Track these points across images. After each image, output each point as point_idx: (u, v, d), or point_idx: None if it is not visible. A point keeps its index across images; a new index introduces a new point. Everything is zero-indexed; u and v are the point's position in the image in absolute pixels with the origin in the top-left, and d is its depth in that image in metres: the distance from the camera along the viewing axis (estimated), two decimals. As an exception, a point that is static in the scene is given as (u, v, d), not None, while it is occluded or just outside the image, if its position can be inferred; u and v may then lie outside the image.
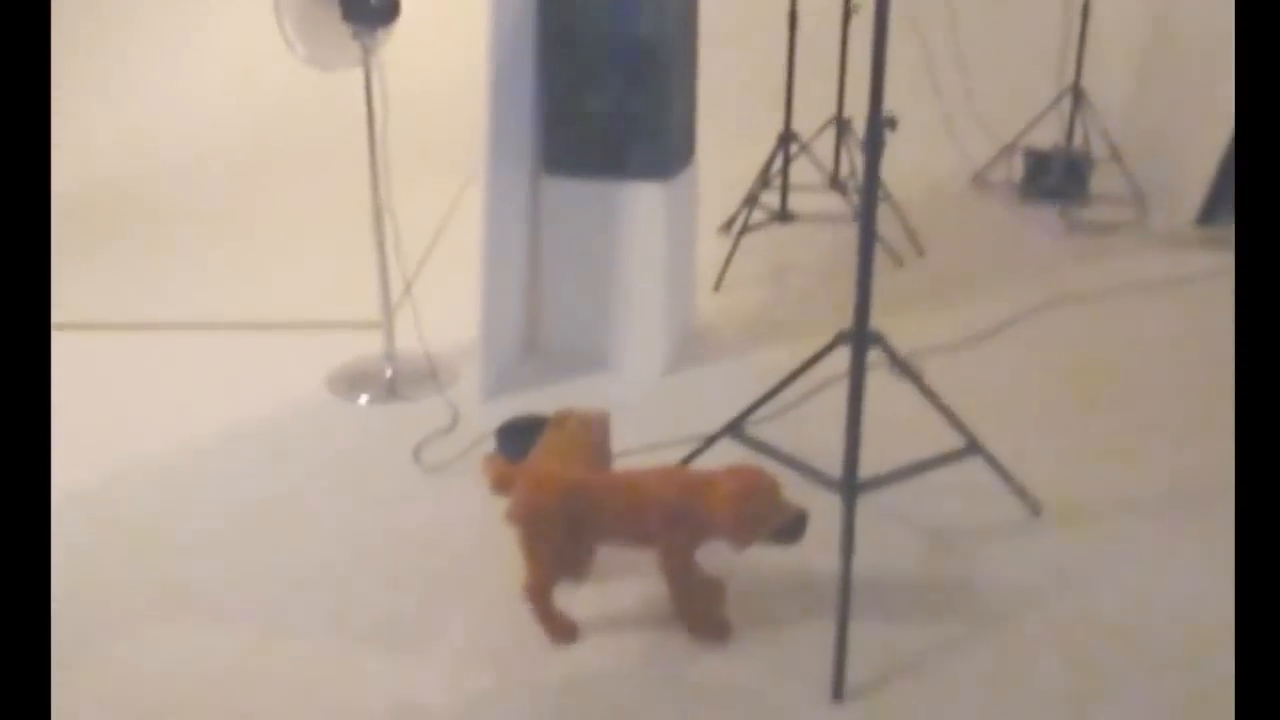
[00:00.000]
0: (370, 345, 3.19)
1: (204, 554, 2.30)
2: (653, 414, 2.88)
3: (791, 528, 1.91)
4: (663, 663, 1.95)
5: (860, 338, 2.07)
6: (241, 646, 2.01)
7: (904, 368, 2.21)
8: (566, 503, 1.92)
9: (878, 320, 3.35)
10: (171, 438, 2.78)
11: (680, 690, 1.89)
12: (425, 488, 2.53)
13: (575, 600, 2.11)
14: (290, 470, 2.62)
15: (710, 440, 2.46)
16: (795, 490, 2.23)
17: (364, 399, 2.99)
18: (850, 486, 2.07)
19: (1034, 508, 2.40)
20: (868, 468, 2.17)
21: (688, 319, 3.37)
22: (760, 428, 2.70)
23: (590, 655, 1.97)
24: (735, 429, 2.37)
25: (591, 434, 2.21)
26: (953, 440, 2.33)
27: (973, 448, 2.30)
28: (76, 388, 3.07)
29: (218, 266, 4.01)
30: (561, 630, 2.00)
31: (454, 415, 2.87)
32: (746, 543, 1.88)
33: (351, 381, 3.08)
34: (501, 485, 1.96)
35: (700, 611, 1.99)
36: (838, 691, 1.85)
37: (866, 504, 2.39)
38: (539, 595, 1.97)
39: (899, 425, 2.73)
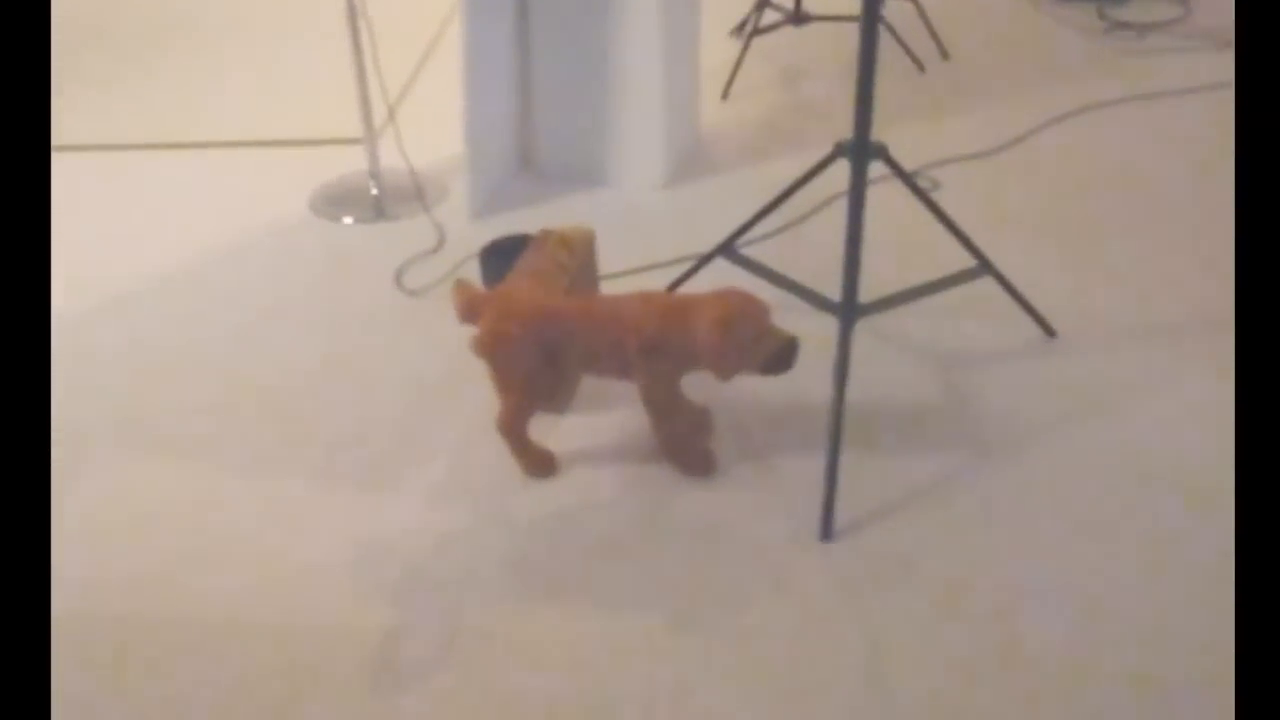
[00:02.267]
0: (357, 163, 3.02)
1: (169, 383, 2.21)
2: (650, 231, 2.73)
3: (780, 356, 1.78)
4: (643, 498, 1.87)
5: (861, 149, 1.89)
6: (202, 479, 1.95)
7: (909, 182, 2.03)
8: (536, 331, 1.80)
9: (892, 129, 3.17)
10: (141, 262, 2.67)
11: (660, 527, 1.81)
12: (406, 313, 2.42)
13: (555, 432, 2.01)
14: (266, 295, 2.51)
15: (702, 261, 2.32)
16: (792, 315, 2.10)
17: (348, 219, 2.85)
18: (848, 309, 1.93)
19: (1047, 331, 2.25)
20: (870, 290, 2.04)
21: (691, 129, 3.16)
22: (757, 247, 2.54)
23: (567, 490, 1.89)
24: (728, 248, 2.22)
25: (573, 254, 2.07)
26: (963, 261, 2.17)
27: (983, 267, 2.15)
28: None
29: (189, 81, 3.81)
30: (537, 464, 1.91)
31: (440, 236, 2.73)
32: (732, 372, 1.76)
33: (335, 201, 2.93)
34: (469, 313, 1.84)
35: (684, 444, 1.90)
36: (826, 530, 1.77)
37: (867, 329, 2.25)
38: (512, 428, 1.88)
39: (905, 245, 2.56)
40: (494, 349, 1.77)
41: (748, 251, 2.26)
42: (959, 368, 2.16)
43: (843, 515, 1.80)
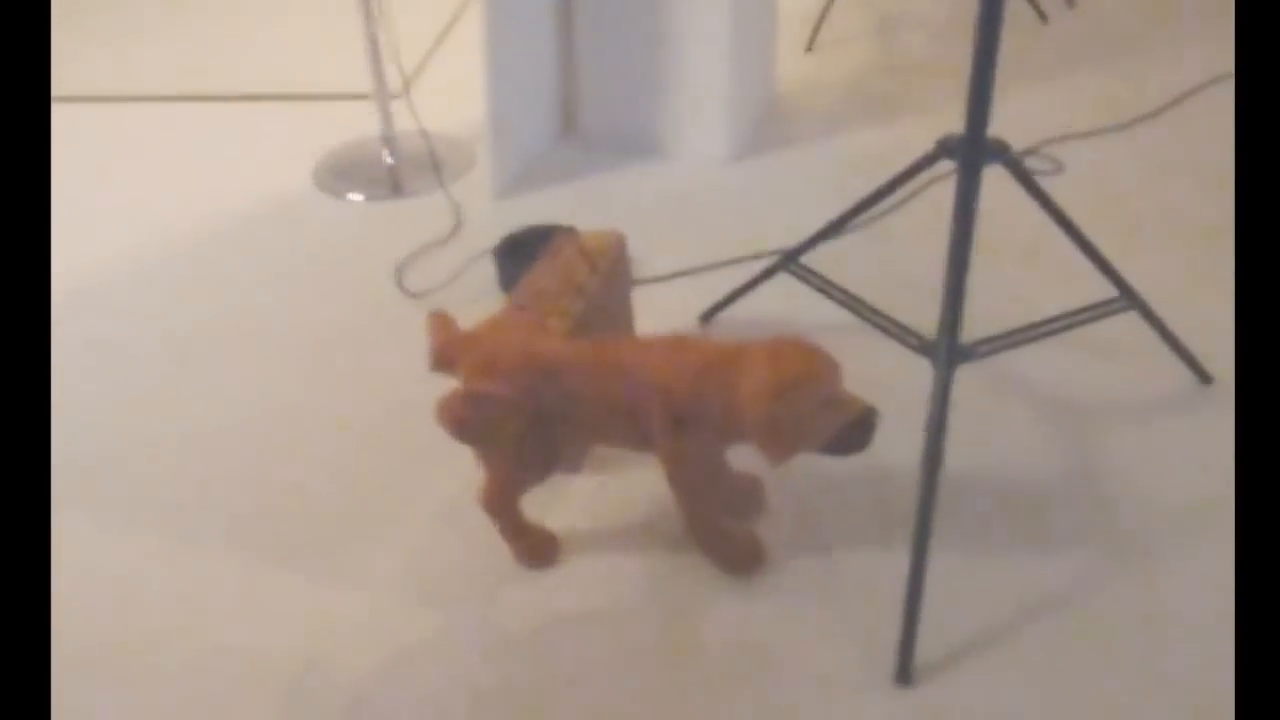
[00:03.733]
0: (374, 126, 2.59)
1: (131, 381, 1.83)
2: (708, 217, 2.26)
3: (851, 435, 1.32)
4: (664, 603, 1.43)
5: (974, 149, 1.41)
6: (139, 543, 1.56)
7: (1036, 191, 1.54)
8: (527, 391, 1.36)
9: (1006, 94, 2.64)
10: (122, 231, 2.30)
11: (682, 648, 1.37)
12: (400, 323, 2.00)
13: (560, 500, 1.59)
14: (230, 299, 2.11)
15: (757, 280, 1.85)
16: (867, 345, 1.64)
17: (356, 196, 2.43)
18: (949, 352, 1.46)
19: (1201, 376, 1.75)
20: (975, 323, 1.56)
21: (765, 89, 2.67)
22: (830, 251, 2.06)
23: (566, 586, 1.47)
24: (791, 260, 1.75)
25: (594, 270, 1.63)
26: (1096, 281, 1.68)
27: (1126, 299, 1.65)
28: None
29: (191, 33, 3.41)
30: (532, 549, 1.49)
31: (456, 219, 2.30)
32: (786, 455, 1.31)
33: (342, 172, 2.52)
34: (442, 361, 1.41)
35: (723, 533, 1.45)
36: (904, 670, 1.32)
37: (969, 372, 1.77)
38: (500, 506, 1.46)
39: (1020, 256, 2.06)
40: (465, 418, 1.33)
41: (816, 255, 1.79)
42: (1086, 427, 1.67)
43: (928, 647, 1.35)
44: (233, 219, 2.35)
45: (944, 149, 1.45)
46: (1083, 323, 1.62)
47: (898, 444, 1.61)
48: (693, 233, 2.21)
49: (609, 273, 1.68)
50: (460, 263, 2.14)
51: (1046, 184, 1.60)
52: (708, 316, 1.94)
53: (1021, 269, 2.02)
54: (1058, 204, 1.53)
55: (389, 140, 2.52)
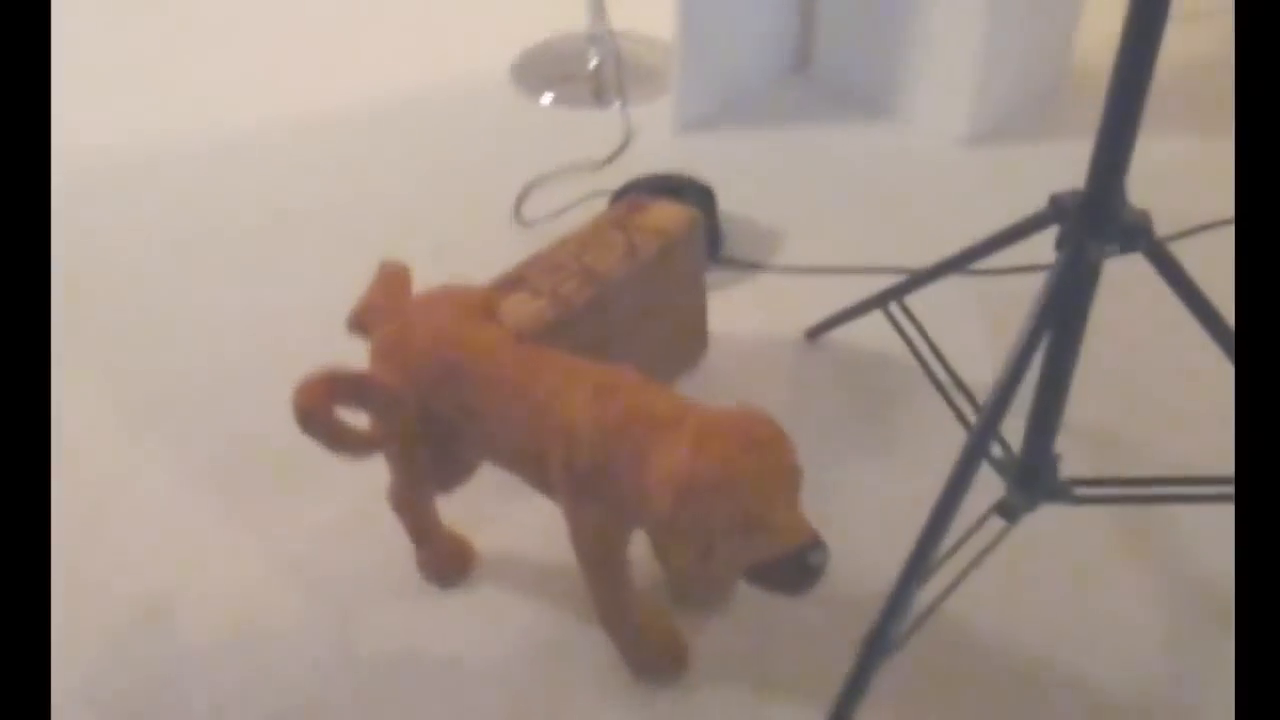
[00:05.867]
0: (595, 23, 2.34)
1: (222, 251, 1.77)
2: (919, 203, 1.85)
3: (780, 572, 0.96)
4: (530, 682, 1.16)
5: (1095, 222, 0.96)
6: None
7: (1190, 296, 1.04)
8: (426, 388, 1.10)
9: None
10: (299, 92, 2.23)
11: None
12: (498, 248, 1.77)
13: (515, 515, 1.33)
14: (373, 171, 1.98)
15: (861, 308, 1.45)
16: (928, 433, 1.24)
17: (547, 97, 2.21)
18: (1026, 486, 1.05)
19: None
20: (1076, 443, 1.13)
21: (1053, 62, 2.14)
22: (946, 296, 1.59)
23: (439, 620, 1.22)
24: (890, 299, 1.35)
25: (629, 255, 1.32)
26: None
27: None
28: (218, 36, 2.57)
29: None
30: (433, 562, 1.26)
31: (621, 144, 2.03)
32: (688, 570, 0.98)
33: (544, 69, 2.30)
34: (357, 325, 1.18)
35: (628, 625, 1.14)
36: None
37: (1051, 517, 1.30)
38: (400, 505, 1.23)
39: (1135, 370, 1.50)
40: (311, 409, 1.07)
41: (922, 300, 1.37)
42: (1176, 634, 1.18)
43: None
44: (411, 97, 2.21)
45: (1057, 211, 1.00)
46: (1203, 497, 1.12)
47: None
48: (885, 222, 1.81)
49: (654, 261, 1.36)
50: (582, 196, 1.88)
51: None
52: (814, 334, 1.57)
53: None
54: (1222, 319, 1.02)
55: (596, 40, 2.26)
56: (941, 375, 1.27)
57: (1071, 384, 1.05)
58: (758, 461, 0.94)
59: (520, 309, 1.26)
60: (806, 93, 2.16)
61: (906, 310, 1.34)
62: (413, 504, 1.22)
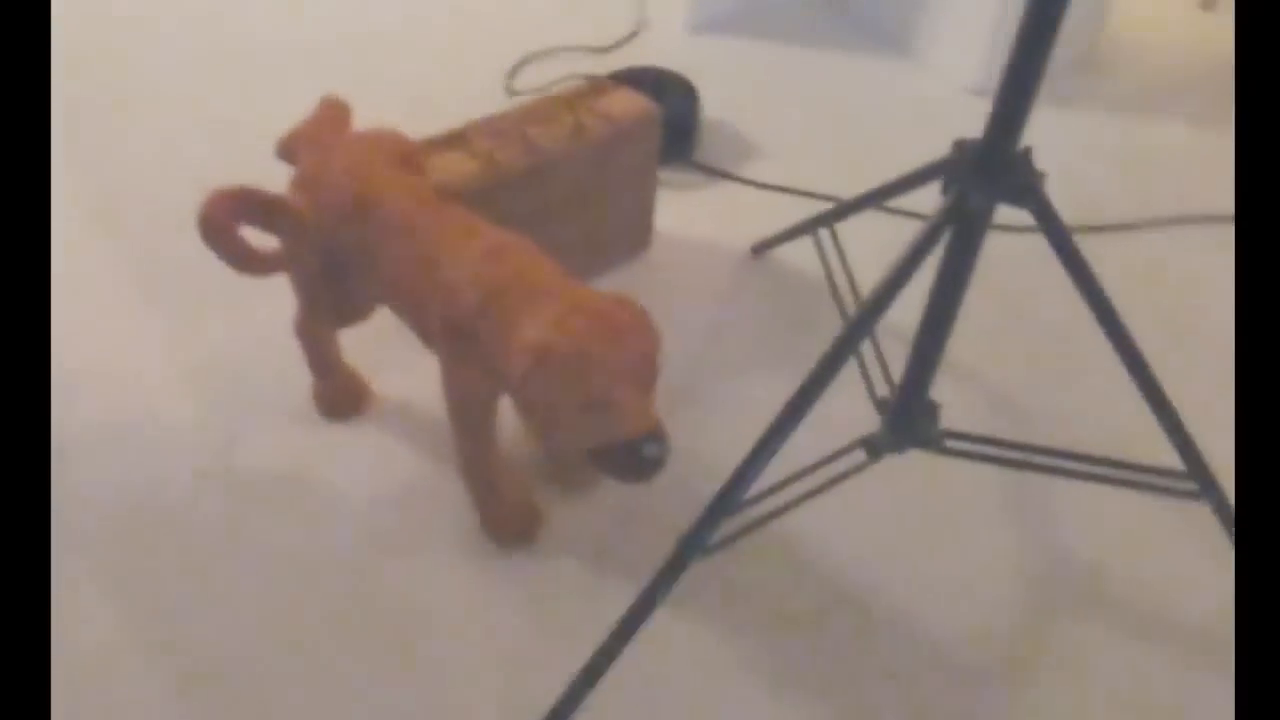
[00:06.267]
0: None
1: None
2: (908, 146, 1.83)
3: (620, 458, 0.99)
4: (377, 527, 1.21)
5: (981, 177, 0.96)
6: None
7: (1072, 263, 1.04)
8: (332, 222, 1.13)
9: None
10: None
11: (335, 582, 1.15)
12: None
13: (399, 349, 1.37)
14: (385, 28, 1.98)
15: (796, 231, 1.45)
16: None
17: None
18: (897, 429, 1.08)
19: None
20: (976, 408, 1.14)
21: (1079, 28, 2.09)
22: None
23: (313, 448, 1.27)
24: (819, 226, 1.35)
25: (576, 132, 1.33)
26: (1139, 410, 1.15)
27: (1199, 483, 1.12)
28: None
29: None
30: (325, 397, 1.30)
31: (628, 33, 2.02)
32: (545, 437, 1.01)
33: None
34: (284, 150, 1.20)
35: (487, 486, 1.18)
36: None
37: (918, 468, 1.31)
38: (300, 331, 1.27)
39: (1037, 333, 1.49)
40: (211, 218, 1.10)
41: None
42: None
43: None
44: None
45: (949, 165, 0.99)
46: (1117, 482, 1.13)
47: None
48: (869, 156, 1.79)
49: (601, 146, 1.37)
50: (561, 74, 1.87)
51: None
52: (758, 250, 1.57)
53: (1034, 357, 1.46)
54: (1104, 296, 1.02)
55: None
56: (850, 305, 1.28)
57: (950, 333, 1.06)
58: (613, 346, 0.97)
59: (452, 166, 1.28)
60: (830, 17, 2.13)
61: (835, 239, 1.34)
62: (314, 334, 1.26)
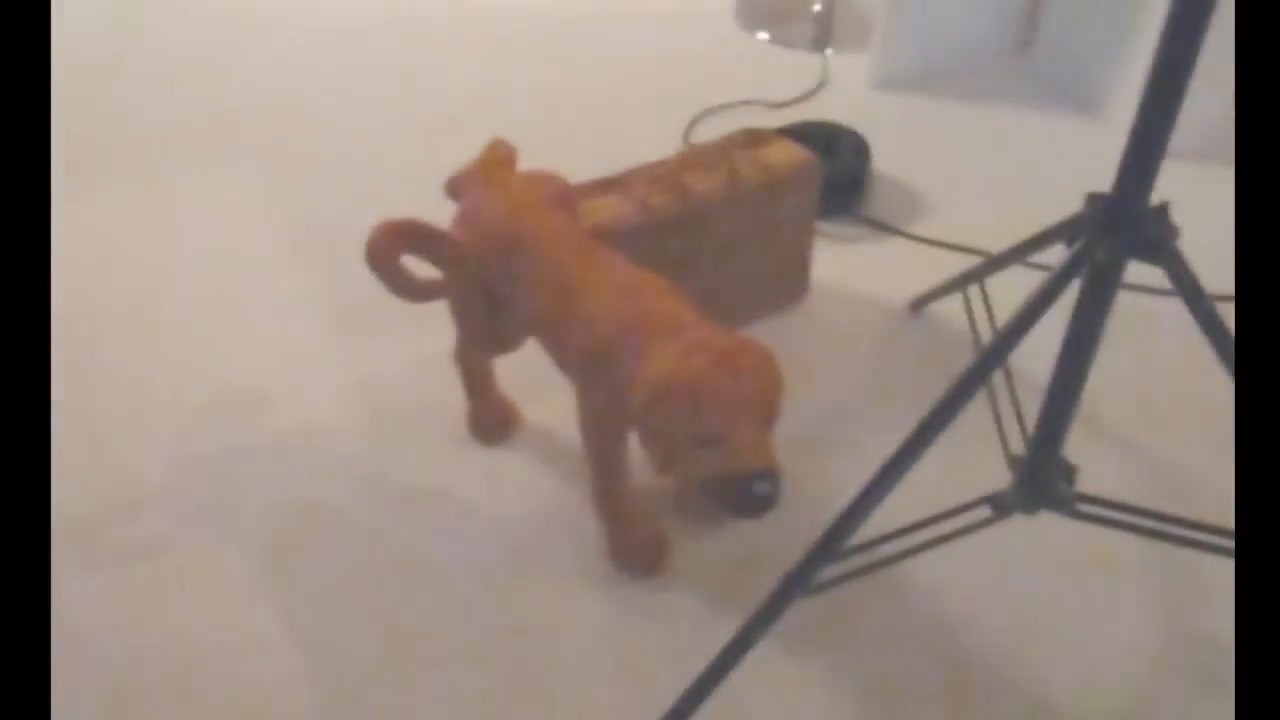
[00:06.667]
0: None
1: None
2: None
3: (732, 493, 1.02)
4: (502, 553, 1.26)
5: (1114, 226, 0.94)
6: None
7: (1199, 306, 0.99)
8: (490, 257, 1.21)
9: None
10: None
11: (461, 596, 1.21)
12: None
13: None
14: (559, 67, 2.10)
15: (951, 287, 1.44)
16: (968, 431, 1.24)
17: (763, 34, 2.26)
18: (1028, 488, 1.07)
19: None
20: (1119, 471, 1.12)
21: None
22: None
23: (465, 473, 1.35)
24: (968, 282, 1.34)
25: (731, 182, 1.37)
26: None
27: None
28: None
29: None
30: (480, 420, 1.39)
31: (812, 87, 2.06)
32: (663, 470, 1.06)
33: (766, 6, 2.33)
34: (452, 188, 1.30)
35: (617, 514, 1.23)
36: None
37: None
38: (458, 357, 1.36)
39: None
40: (380, 248, 1.19)
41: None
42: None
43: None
44: (633, 8, 2.30)
45: (1082, 226, 0.98)
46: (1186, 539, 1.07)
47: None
48: (1048, 217, 1.76)
49: (755, 195, 1.40)
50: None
51: None
52: (916, 306, 1.57)
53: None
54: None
55: (825, -15, 2.28)
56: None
57: (1082, 392, 1.04)
58: (732, 383, 1.00)
59: (607, 208, 1.34)
60: (1019, 75, 2.10)
61: (984, 295, 1.33)
62: (469, 361, 1.34)
